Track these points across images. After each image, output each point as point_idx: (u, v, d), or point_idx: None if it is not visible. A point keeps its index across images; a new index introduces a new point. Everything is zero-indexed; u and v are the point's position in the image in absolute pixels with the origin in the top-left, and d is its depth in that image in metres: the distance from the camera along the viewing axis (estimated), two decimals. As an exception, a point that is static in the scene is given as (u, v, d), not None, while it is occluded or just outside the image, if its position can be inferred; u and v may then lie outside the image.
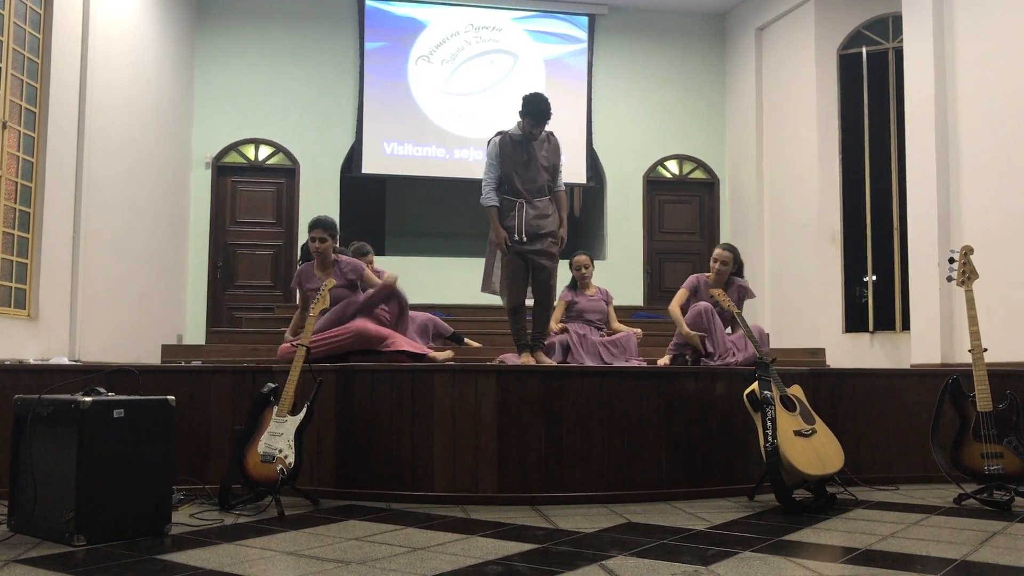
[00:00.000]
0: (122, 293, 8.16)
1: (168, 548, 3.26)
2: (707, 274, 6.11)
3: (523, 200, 5.41)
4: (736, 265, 6.11)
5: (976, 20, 7.74)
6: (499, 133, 5.55)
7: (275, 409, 4.20)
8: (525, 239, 5.38)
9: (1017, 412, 4.35)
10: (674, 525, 3.78)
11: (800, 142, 9.96)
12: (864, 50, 9.60)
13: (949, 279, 4.71)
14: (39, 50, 6.84)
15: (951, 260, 4.72)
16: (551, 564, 3.00)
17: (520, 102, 5.43)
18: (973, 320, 4.51)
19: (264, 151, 10.41)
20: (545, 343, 5.80)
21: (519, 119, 5.44)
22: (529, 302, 5.63)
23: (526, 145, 5.45)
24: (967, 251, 4.68)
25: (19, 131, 6.59)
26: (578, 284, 6.67)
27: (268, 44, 10.46)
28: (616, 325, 6.66)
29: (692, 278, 6.17)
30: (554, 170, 5.56)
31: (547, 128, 5.51)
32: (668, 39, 11.35)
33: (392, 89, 10.69)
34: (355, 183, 10.85)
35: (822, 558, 3.17)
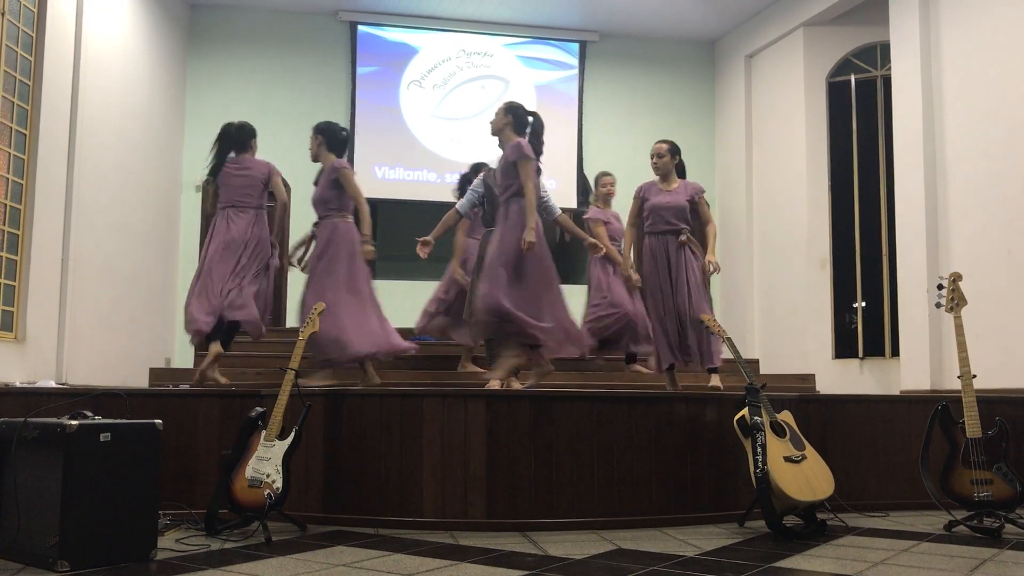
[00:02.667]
0: (110, 316, 8.12)
1: (153, 573, 3.22)
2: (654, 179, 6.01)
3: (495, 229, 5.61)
4: (676, 158, 5.97)
5: (963, 48, 7.83)
6: (480, 169, 6.12)
7: (263, 434, 4.17)
8: None
9: (1006, 439, 4.35)
10: (664, 551, 3.76)
11: (789, 168, 10.02)
12: (853, 78, 9.69)
13: (938, 305, 4.72)
14: (31, 72, 6.84)
15: (940, 287, 4.73)
16: (540, 591, 2.98)
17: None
18: (962, 346, 4.52)
19: (255, 174, 10.40)
20: None
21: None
22: None
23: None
24: (956, 277, 4.70)
25: (9, 153, 6.58)
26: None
27: (260, 68, 10.49)
28: None
29: (639, 187, 6.04)
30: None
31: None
32: (658, 66, 11.44)
33: (384, 113, 10.73)
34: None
35: (812, 585, 3.15)
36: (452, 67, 11.03)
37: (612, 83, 11.34)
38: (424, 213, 11.62)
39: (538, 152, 5.36)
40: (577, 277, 11.19)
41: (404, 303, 10.05)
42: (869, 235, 9.40)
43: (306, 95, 10.56)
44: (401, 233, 12.04)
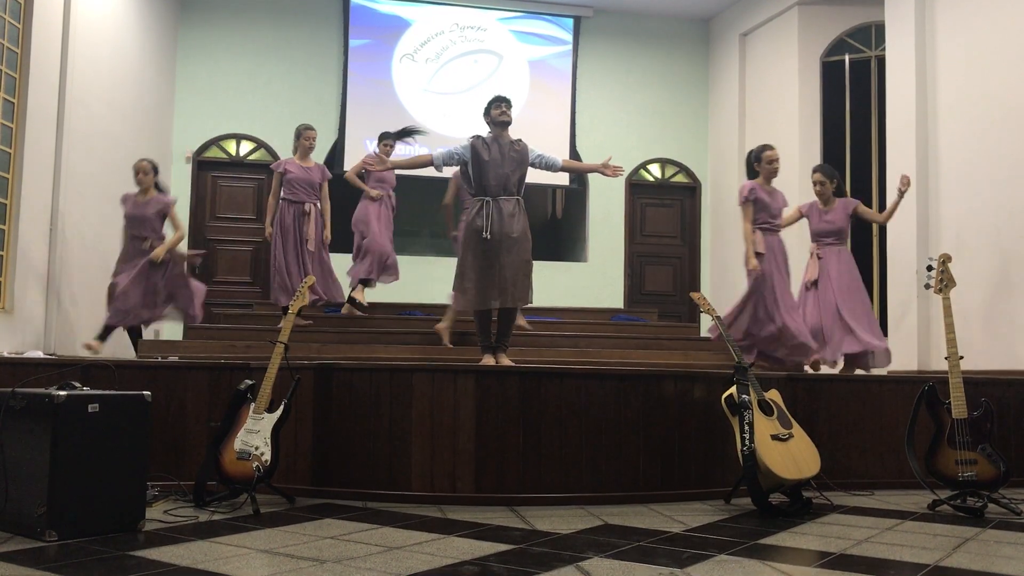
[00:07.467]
0: (99, 287, 8.06)
1: (141, 544, 3.23)
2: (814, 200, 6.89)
3: (490, 198, 5.54)
4: (834, 183, 6.79)
5: (958, 31, 7.80)
6: (475, 136, 5.88)
7: (252, 406, 4.17)
8: (489, 236, 5.47)
9: (991, 420, 4.39)
10: (650, 527, 3.79)
11: (782, 148, 9.93)
12: (847, 58, 9.66)
13: (927, 287, 4.74)
14: (19, 40, 6.77)
15: (929, 268, 4.75)
16: (527, 565, 3.00)
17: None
18: (950, 328, 4.55)
19: (245, 146, 10.34)
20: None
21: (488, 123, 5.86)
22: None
23: (493, 146, 5.71)
24: (945, 259, 4.72)
25: (-3, 121, 6.52)
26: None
27: (251, 39, 10.40)
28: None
29: (805, 205, 7.01)
30: (522, 169, 5.81)
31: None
32: (653, 43, 11.38)
33: (376, 87, 10.65)
34: (336, 180, 10.79)
35: (797, 562, 3.18)
36: (445, 41, 10.95)
37: (606, 59, 11.28)
38: (415, 188, 11.61)
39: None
40: (576, 255, 11.22)
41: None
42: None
43: (298, 67, 10.47)
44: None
